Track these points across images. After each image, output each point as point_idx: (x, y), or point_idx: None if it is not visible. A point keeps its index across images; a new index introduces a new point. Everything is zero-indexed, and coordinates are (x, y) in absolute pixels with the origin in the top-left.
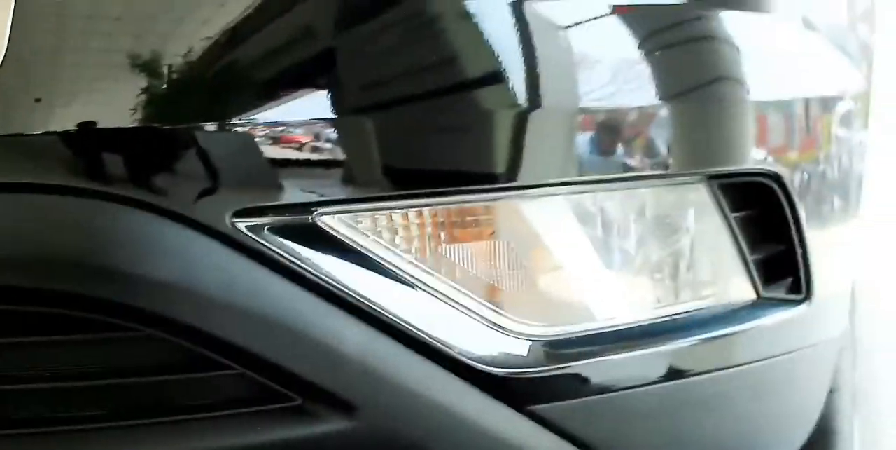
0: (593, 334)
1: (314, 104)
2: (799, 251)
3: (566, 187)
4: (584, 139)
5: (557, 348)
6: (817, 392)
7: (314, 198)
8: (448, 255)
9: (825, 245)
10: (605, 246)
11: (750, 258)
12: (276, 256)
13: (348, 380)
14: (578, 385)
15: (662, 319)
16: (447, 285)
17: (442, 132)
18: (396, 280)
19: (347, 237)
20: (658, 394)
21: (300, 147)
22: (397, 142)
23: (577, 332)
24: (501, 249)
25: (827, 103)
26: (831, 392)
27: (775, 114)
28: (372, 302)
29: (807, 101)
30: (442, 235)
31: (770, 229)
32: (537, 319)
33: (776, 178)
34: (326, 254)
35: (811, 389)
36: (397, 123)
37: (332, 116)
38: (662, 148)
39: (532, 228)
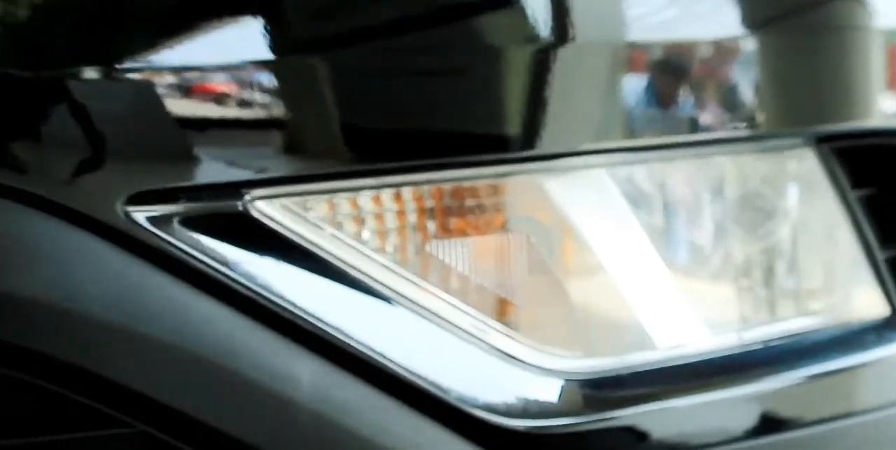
0: (652, 370)
1: (242, 40)
2: None
3: (608, 156)
4: (632, 87)
5: (601, 390)
6: None
7: (245, 175)
8: (440, 255)
9: None
10: (667, 240)
11: (881, 256)
12: (189, 259)
13: (297, 440)
14: (633, 444)
15: (753, 347)
16: (438, 299)
17: (427, 78)
18: (365, 292)
19: (293, 231)
20: None
21: (223, 102)
22: (364, 93)
23: (630, 366)
24: (517, 246)
25: None
26: None
27: None
28: (330, 326)
29: None
30: (430, 226)
31: None
32: (570, 348)
33: None
34: (264, 256)
35: None
36: (363, 66)
37: (268, 56)
38: (749, 98)
39: (561, 216)
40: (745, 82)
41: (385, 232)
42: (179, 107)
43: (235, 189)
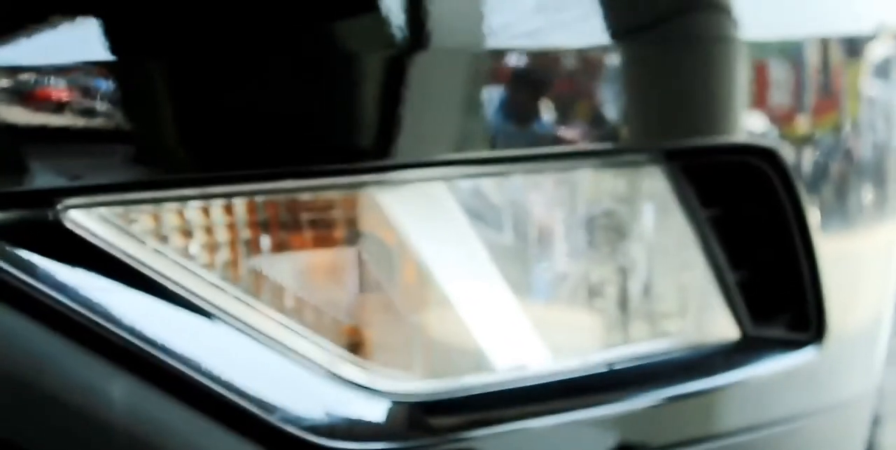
0: (488, 393)
1: (62, 40)
2: (805, 267)
3: (455, 168)
4: (484, 96)
5: (431, 413)
6: None
7: (59, 182)
8: (271, 272)
9: (847, 259)
10: (516, 259)
11: (732, 278)
12: None
13: None
14: None
15: (598, 370)
16: (266, 317)
17: (267, 84)
18: (188, 309)
19: (112, 245)
20: None
21: (36, 103)
22: (197, 96)
23: (464, 389)
24: (350, 263)
25: (854, 46)
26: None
27: (775, 60)
28: (149, 343)
29: (824, 43)
30: (263, 241)
31: (762, 236)
32: (403, 370)
33: (770, 156)
34: (77, 271)
35: None
36: (199, 69)
37: (90, 57)
38: (602, 111)
39: (401, 232)
40: (599, 94)
41: (214, 246)
42: None
43: (47, 197)
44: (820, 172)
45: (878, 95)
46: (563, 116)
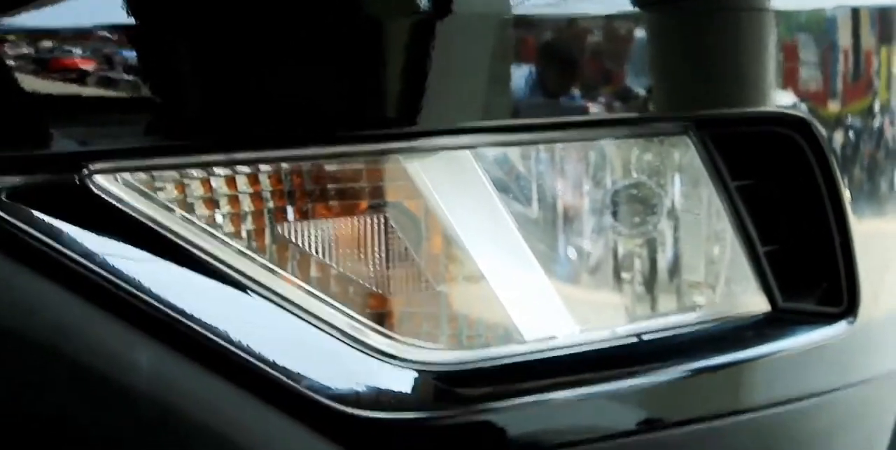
0: (517, 364)
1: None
2: (837, 240)
3: (480, 137)
4: (511, 63)
5: (460, 383)
6: (873, 446)
7: (85, 146)
8: (298, 240)
9: (879, 239)
10: (544, 231)
11: (762, 251)
12: (19, 237)
13: (136, 428)
14: (496, 440)
15: (630, 341)
16: (295, 287)
17: (290, 51)
18: (213, 277)
19: (139, 212)
20: None
21: (63, 65)
22: (222, 63)
23: (493, 359)
24: (380, 232)
25: (892, 21)
26: None
27: (805, 35)
28: (175, 312)
29: (856, 16)
30: (289, 211)
31: (794, 208)
32: (433, 340)
33: (803, 127)
34: (104, 236)
35: (860, 446)
36: (224, 32)
37: (114, 21)
38: (628, 80)
39: (428, 201)
40: (624, 63)
41: (240, 216)
42: (8, 68)
43: (74, 161)
44: (852, 154)
45: None
46: (591, 85)
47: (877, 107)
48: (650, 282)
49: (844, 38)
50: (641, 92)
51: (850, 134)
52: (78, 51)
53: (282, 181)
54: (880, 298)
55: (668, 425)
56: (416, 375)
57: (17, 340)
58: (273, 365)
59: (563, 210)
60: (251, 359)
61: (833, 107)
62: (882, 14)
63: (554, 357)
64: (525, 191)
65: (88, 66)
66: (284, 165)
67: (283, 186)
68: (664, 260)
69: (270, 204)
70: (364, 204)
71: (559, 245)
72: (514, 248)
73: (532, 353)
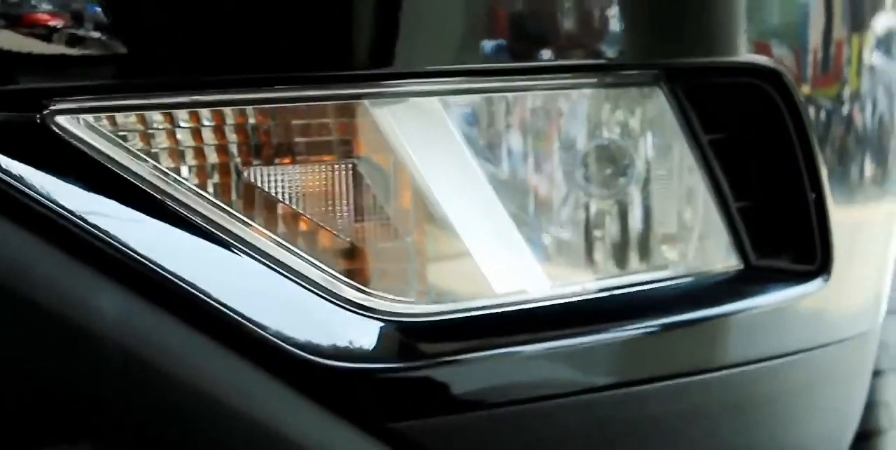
0: (490, 316)
1: None
2: (811, 198)
3: (448, 83)
4: (478, 5)
5: (431, 335)
6: (845, 409)
7: (46, 83)
8: (262, 185)
9: (851, 214)
10: (512, 186)
11: (735, 207)
12: None
13: (99, 374)
14: (465, 392)
15: (600, 296)
16: (261, 234)
17: None
18: (181, 224)
19: (100, 153)
20: (587, 410)
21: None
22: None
23: (465, 311)
24: (347, 181)
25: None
26: (876, 375)
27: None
28: (140, 257)
29: None
30: (254, 156)
31: (767, 164)
32: (401, 292)
33: (775, 78)
34: (64, 180)
35: (833, 407)
36: None
37: None
38: (599, 25)
39: (398, 151)
40: (601, 7)
41: (205, 162)
42: None
43: (34, 99)
44: (823, 133)
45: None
46: (560, 30)
47: (846, 94)
48: (622, 238)
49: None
50: (612, 37)
51: (824, 85)
52: None
53: (246, 124)
54: (854, 256)
55: (639, 381)
56: (383, 326)
57: None
58: (239, 312)
59: (533, 166)
60: (217, 306)
61: (805, 58)
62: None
63: (523, 311)
64: (494, 147)
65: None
66: (249, 108)
67: (247, 129)
68: (636, 216)
69: (235, 149)
70: (332, 152)
71: (529, 201)
72: (485, 203)
73: (501, 306)
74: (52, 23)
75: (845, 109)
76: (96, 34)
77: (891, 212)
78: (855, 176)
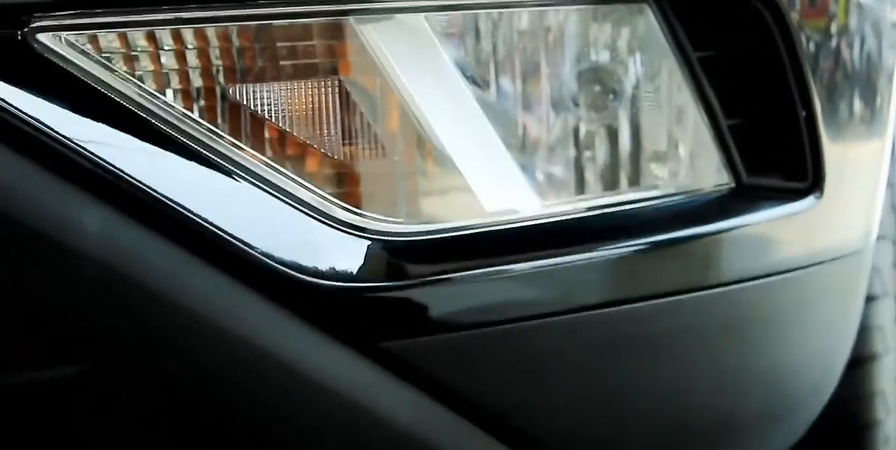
0: (479, 235)
1: None
2: (802, 115)
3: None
4: None
5: (422, 255)
6: (839, 330)
7: None
8: (247, 103)
9: (845, 113)
10: (502, 105)
11: (725, 125)
12: None
13: (81, 291)
14: (455, 311)
15: (591, 215)
16: (244, 150)
17: None
18: (161, 139)
19: (83, 71)
20: (578, 329)
21: None
22: None
23: (455, 230)
24: (334, 101)
25: None
26: (870, 300)
27: None
28: (122, 172)
29: None
30: (239, 71)
31: (757, 81)
32: (391, 213)
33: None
34: (47, 99)
35: (827, 327)
36: None
37: None
38: None
39: (385, 71)
40: None
41: (186, 76)
42: None
43: (15, 14)
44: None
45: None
46: None
47: (833, 29)
48: (612, 157)
49: None
50: None
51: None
52: None
53: (230, 41)
54: (845, 174)
55: (630, 300)
56: (372, 245)
57: None
58: (226, 231)
59: (521, 86)
60: (204, 224)
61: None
62: None
63: (513, 230)
64: (483, 67)
65: None
66: (232, 25)
67: (231, 47)
68: (625, 135)
69: (220, 65)
70: (319, 69)
71: (518, 121)
72: (475, 124)
73: (491, 226)
74: None
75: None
76: None
77: (882, 133)
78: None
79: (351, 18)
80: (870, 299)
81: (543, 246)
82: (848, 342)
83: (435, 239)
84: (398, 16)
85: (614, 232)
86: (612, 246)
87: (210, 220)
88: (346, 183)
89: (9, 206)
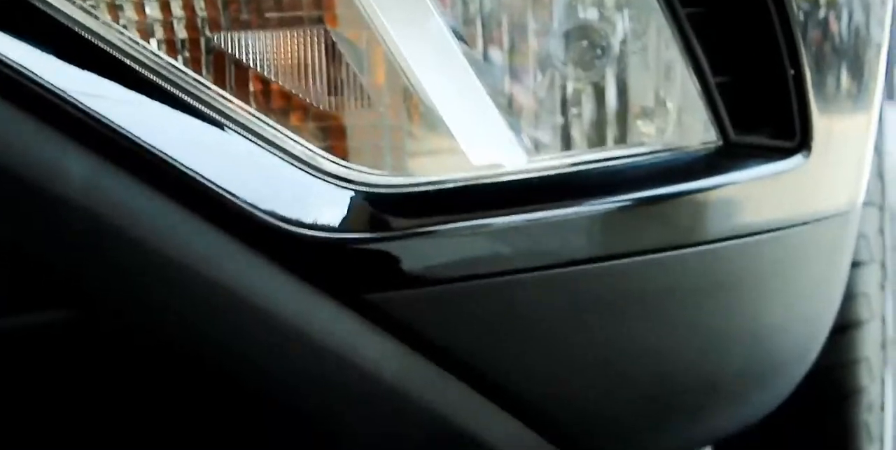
0: (464, 188)
1: None
2: (790, 73)
3: None
4: None
5: (406, 206)
6: (825, 291)
7: None
8: (233, 52)
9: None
10: (486, 57)
11: (713, 82)
12: None
13: (64, 237)
14: (440, 264)
15: (576, 170)
16: (228, 96)
17: None
18: (144, 85)
19: (65, 15)
20: (563, 284)
21: None
22: None
23: (440, 183)
24: (319, 48)
25: None
26: (855, 266)
27: None
28: (104, 118)
29: None
30: (223, 20)
31: (745, 38)
32: (376, 165)
33: None
34: (33, 45)
35: (813, 288)
36: None
37: None
38: None
39: (370, 18)
40: None
41: (169, 21)
42: None
43: None
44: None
45: None
46: None
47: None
48: (598, 114)
49: None
50: None
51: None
52: None
53: None
54: (834, 133)
55: (615, 255)
56: (355, 196)
57: None
58: (211, 180)
59: (509, 41)
60: (189, 173)
61: None
62: None
63: (498, 183)
64: (470, 21)
65: None
66: None
67: None
68: (612, 91)
69: (204, 12)
70: (306, 18)
71: (503, 67)
72: (462, 79)
73: (476, 179)
74: None
75: None
76: None
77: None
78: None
79: None
80: (855, 265)
81: (528, 201)
82: (833, 306)
83: (420, 192)
84: None
85: (599, 188)
86: (596, 202)
87: (195, 169)
88: (331, 134)
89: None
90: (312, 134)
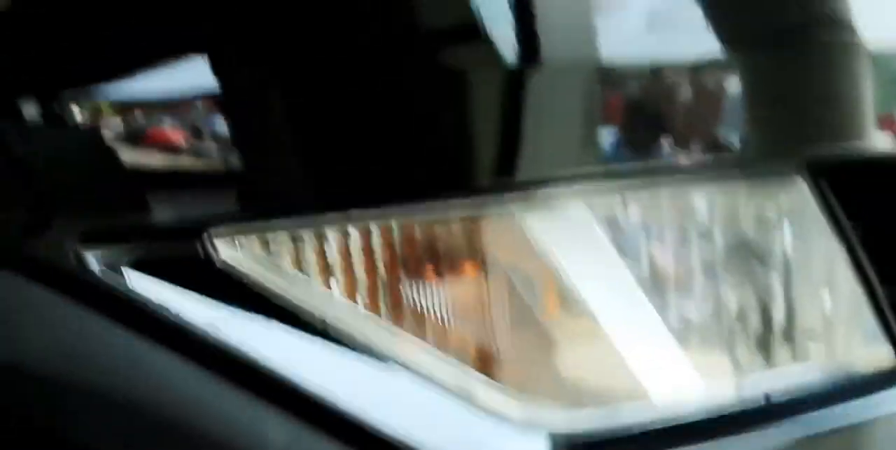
0: (652, 429)
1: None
2: None
3: (589, 186)
4: (606, 111)
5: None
6: None
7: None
8: (413, 303)
9: None
10: (654, 282)
11: (884, 297)
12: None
13: None
14: None
15: (756, 403)
16: (412, 349)
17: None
18: (334, 342)
19: (254, 272)
20: None
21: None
22: (323, 131)
23: (626, 424)
24: (496, 291)
25: None
26: None
27: None
28: (296, 382)
29: None
30: (402, 271)
31: None
32: (556, 402)
33: None
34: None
35: None
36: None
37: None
38: (733, 123)
39: (543, 257)
40: (728, 106)
41: (354, 277)
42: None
43: (195, 229)
44: None
45: None
46: (706, 132)
47: None
48: (766, 337)
49: None
50: (752, 135)
51: None
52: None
53: (393, 243)
54: None
55: None
56: (549, 442)
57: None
58: (387, 427)
59: (674, 266)
60: (374, 426)
61: None
62: None
63: (684, 422)
64: (633, 248)
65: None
66: (395, 225)
67: (394, 247)
68: (780, 312)
69: (382, 266)
70: (479, 262)
71: (671, 303)
72: (636, 306)
73: (662, 419)
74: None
75: None
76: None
77: None
78: None
79: (513, 209)
80: None
81: (712, 438)
82: None
83: (608, 436)
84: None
85: (780, 420)
86: (779, 434)
87: (380, 421)
88: (509, 377)
89: (199, 420)
90: (490, 376)
